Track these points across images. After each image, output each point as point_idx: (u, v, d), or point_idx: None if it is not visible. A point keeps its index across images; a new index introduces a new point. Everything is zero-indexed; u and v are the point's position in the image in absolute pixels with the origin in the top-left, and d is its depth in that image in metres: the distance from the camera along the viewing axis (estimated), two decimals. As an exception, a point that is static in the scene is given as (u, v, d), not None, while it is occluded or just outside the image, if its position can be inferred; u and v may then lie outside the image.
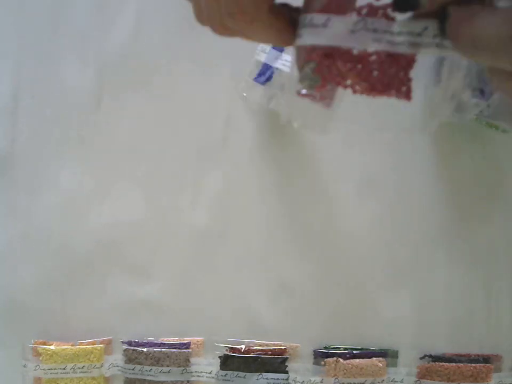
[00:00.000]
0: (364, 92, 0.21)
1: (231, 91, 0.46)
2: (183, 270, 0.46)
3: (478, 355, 0.45)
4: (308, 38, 0.21)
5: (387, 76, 0.21)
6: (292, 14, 0.23)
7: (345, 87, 0.21)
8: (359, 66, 0.21)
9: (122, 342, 0.46)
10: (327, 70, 0.21)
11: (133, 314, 0.47)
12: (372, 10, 0.20)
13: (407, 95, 0.21)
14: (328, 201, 0.46)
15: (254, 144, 0.46)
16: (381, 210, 0.46)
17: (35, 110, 0.47)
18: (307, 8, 0.22)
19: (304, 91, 0.23)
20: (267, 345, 0.46)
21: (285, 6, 0.24)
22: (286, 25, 0.23)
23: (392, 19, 0.20)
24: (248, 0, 0.22)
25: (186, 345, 0.46)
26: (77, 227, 0.46)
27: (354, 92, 0.21)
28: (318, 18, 0.21)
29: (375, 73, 0.21)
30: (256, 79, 0.42)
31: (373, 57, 0.20)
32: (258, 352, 0.45)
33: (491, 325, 0.46)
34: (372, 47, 0.20)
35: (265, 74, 0.41)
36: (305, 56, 0.22)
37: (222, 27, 0.24)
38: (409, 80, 0.21)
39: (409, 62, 0.21)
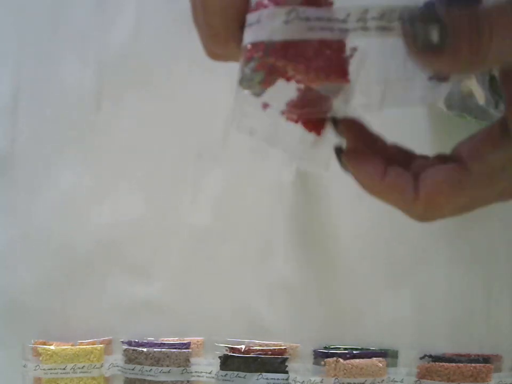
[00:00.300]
0: (308, 81, 0.21)
1: (231, 91, 0.46)
2: (183, 270, 0.46)
3: (478, 355, 0.45)
4: (246, 38, 0.21)
5: (325, 61, 0.21)
6: None
7: (289, 78, 0.21)
8: (298, 56, 0.21)
9: (122, 342, 0.46)
10: (269, 64, 0.21)
11: (133, 314, 0.47)
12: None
13: (346, 78, 0.21)
14: (328, 200, 0.46)
15: (254, 144, 0.46)
16: (381, 209, 0.46)
17: (35, 110, 0.47)
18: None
19: (247, 92, 0.22)
20: (267, 345, 0.46)
21: None
22: None
23: (327, 5, 0.21)
24: (217, 22, 0.22)
25: (186, 345, 0.46)
26: (77, 227, 0.46)
27: (298, 82, 0.21)
28: (252, 17, 0.21)
29: (315, 61, 0.21)
30: None
31: (312, 45, 0.21)
32: (258, 352, 0.46)
33: (491, 325, 0.46)
34: (307, 36, 0.20)
35: None
36: (245, 57, 0.21)
37: (211, 52, 0.24)
38: (345, 62, 0.21)
39: (340, 46, 0.21)
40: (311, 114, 0.23)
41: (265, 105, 0.23)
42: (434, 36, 0.19)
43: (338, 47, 0.21)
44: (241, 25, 0.22)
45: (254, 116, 0.23)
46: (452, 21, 0.20)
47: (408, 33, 0.20)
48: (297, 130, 0.24)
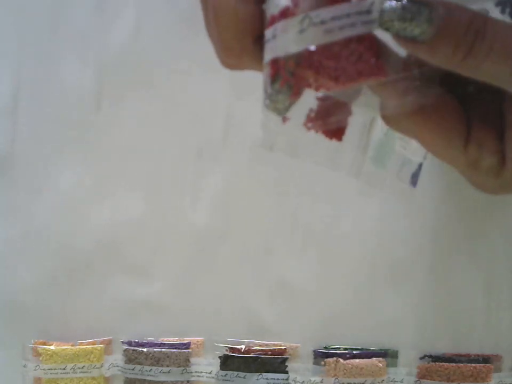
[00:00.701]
0: (340, 86, 0.20)
1: (231, 91, 0.46)
2: (183, 270, 0.46)
3: (478, 355, 0.45)
4: (265, 56, 0.21)
5: (354, 60, 0.20)
6: None
7: (318, 87, 0.21)
8: (324, 61, 0.20)
9: (122, 342, 0.46)
10: (294, 77, 0.20)
11: (133, 314, 0.47)
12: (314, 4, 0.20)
13: (380, 73, 0.20)
14: (328, 201, 0.46)
15: (254, 144, 0.46)
16: (382, 209, 0.46)
17: (35, 110, 0.47)
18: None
19: (271, 111, 0.22)
20: (267, 345, 0.46)
21: None
22: None
23: (337, 2, 0.20)
24: (230, 36, 0.22)
25: (186, 345, 0.46)
26: (77, 227, 0.46)
27: (329, 89, 0.21)
28: (268, 33, 0.21)
29: (342, 62, 0.20)
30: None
31: (336, 47, 0.20)
32: (258, 352, 0.45)
33: (491, 325, 0.46)
34: (325, 40, 0.19)
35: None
36: (268, 75, 0.21)
37: (225, 63, 0.24)
38: (378, 56, 0.20)
39: (369, 39, 0.20)
40: (332, 122, 0.23)
41: (285, 119, 0.22)
42: (421, 19, 0.19)
43: (366, 41, 0.20)
44: (254, 38, 0.22)
45: (275, 131, 0.23)
46: (448, 9, 0.19)
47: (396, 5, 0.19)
48: (318, 139, 0.23)
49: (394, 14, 0.19)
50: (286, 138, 0.23)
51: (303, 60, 0.20)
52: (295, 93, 0.21)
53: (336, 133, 0.24)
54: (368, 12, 0.19)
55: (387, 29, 0.19)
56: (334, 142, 0.24)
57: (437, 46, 0.19)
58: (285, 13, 0.20)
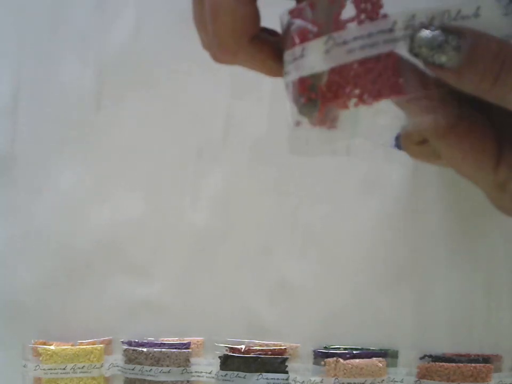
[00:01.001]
0: (362, 103, 0.21)
1: (231, 91, 0.46)
2: (183, 270, 0.46)
3: (478, 355, 0.45)
4: (294, 73, 0.22)
5: (374, 79, 0.20)
6: (277, 44, 0.23)
7: (339, 105, 0.21)
8: (345, 82, 0.21)
9: (122, 342, 0.46)
10: (319, 95, 0.21)
11: (133, 314, 0.47)
12: (337, 24, 0.20)
13: (400, 92, 0.21)
14: (329, 201, 0.46)
15: (254, 144, 0.46)
16: (382, 209, 0.46)
17: (35, 110, 0.47)
18: (284, 44, 0.22)
19: (304, 120, 0.23)
20: (267, 345, 0.46)
21: (272, 34, 0.24)
22: (270, 56, 0.23)
23: (361, 22, 0.20)
24: (226, 34, 0.23)
25: (186, 345, 0.46)
26: (77, 227, 0.46)
27: (347, 107, 0.21)
28: (297, 50, 0.21)
29: (362, 81, 0.20)
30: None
31: (355, 68, 0.20)
32: (258, 352, 0.46)
33: (491, 325, 0.46)
34: (347, 59, 0.20)
35: None
36: (298, 91, 0.22)
37: (215, 56, 0.24)
38: (398, 75, 0.20)
39: (391, 57, 0.20)
40: (333, 115, 0.24)
41: (298, 123, 0.23)
42: (448, 47, 0.19)
43: (387, 59, 0.20)
44: (250, 38, 0.23)
45: (293, 136, 0.24)
46: (476, 38, 0.19)
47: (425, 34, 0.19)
48: (320, 133, 0.24)
49: (422, 41, 0.19)
50: (302, 139, 0.24)
51: (326, 79, 0.21)
52: (322, 110, 0.22)
53: (333, 122, 0.24)
54: (391, 30, 0.20)
55: (416, 55, 0.20)
56: (331, 132, 0.25)
57: (464, 74, 0.19)
58: (312, 33, 0.21)
